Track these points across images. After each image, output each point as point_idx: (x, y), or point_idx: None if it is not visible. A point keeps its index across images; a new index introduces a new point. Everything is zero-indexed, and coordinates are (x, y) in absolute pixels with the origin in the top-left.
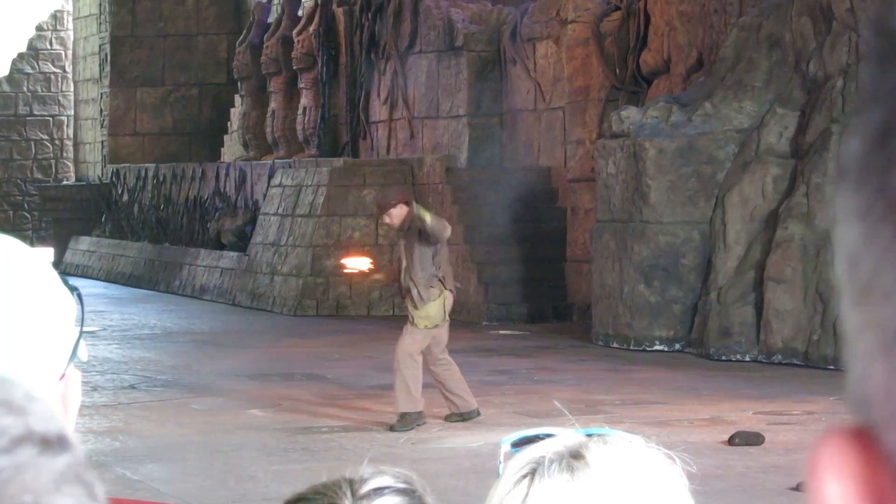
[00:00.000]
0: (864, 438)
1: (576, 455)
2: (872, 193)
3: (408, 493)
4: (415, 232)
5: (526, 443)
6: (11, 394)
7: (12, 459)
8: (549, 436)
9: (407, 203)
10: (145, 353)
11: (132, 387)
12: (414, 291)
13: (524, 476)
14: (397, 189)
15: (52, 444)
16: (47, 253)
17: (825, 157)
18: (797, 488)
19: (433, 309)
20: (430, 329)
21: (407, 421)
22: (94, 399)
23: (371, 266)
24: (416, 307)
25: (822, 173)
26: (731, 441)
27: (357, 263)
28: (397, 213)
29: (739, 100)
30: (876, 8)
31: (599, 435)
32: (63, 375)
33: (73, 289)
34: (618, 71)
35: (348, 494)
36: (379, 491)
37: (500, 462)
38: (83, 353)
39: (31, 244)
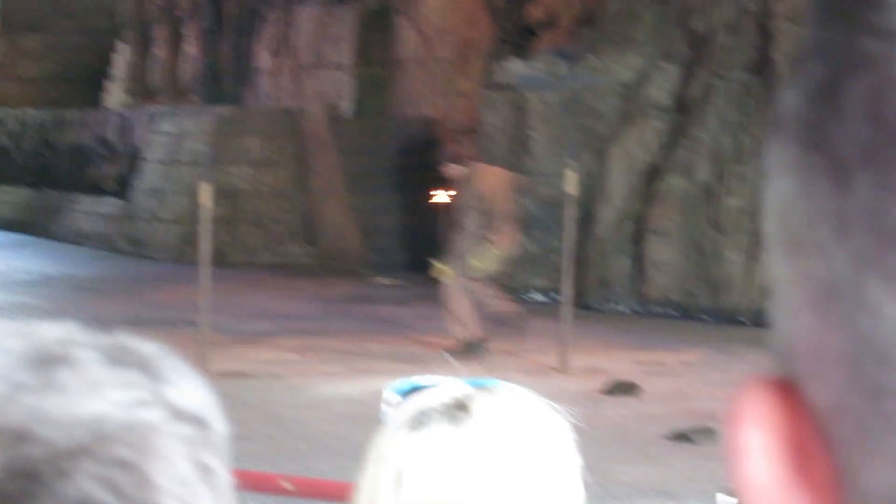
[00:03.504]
0: (787, 390)
1: (460, 406)
2: (810, 147)
3: None
4: None
5: (411, 392)
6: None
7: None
8: (434, 385)
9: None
10: (25, 298)
11: None
12: None
13: (408, 426)
14: None
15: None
16: None
17: (707, 111)
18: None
19: None
20: None
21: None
22: None
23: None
24: None
25: (703, 127)
26: (607, 390)
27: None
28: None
29: (623, 53)
30: None
31: (485, 385)
32: None
33: None
34: (504, 23)
35: None
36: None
37: (384, 410)
38: None
39: None
